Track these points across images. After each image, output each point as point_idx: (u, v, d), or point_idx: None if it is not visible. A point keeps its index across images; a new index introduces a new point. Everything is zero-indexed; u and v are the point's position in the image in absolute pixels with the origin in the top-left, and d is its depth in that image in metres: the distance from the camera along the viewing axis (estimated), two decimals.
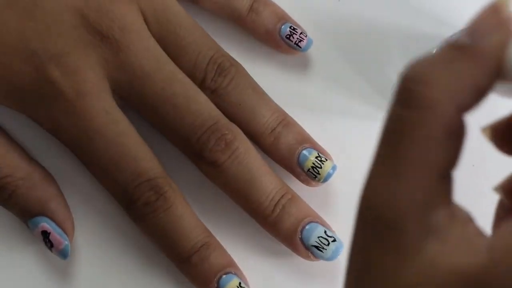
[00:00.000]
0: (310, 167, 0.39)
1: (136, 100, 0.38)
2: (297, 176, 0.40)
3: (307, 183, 0.40)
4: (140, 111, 0.38)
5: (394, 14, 0.43)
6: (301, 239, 0.38)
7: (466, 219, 0.24)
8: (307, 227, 0.38)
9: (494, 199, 0.42)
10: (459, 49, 0.24)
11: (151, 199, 0.37)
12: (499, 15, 0.23)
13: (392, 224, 0.23)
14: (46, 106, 0.37)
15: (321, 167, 0.39)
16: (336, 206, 0.41)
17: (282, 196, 0.38)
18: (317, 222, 0.39)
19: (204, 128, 0.38)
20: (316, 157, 0.39)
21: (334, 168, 0.40)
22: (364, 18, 0.43)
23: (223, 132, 0.38)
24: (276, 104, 0.41)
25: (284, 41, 0.41)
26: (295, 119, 0.42)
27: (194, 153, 0.38)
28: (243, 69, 0.40)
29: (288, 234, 0.38)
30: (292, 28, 0.41)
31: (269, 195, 0.38)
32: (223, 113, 0.39)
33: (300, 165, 0.39)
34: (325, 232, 0.38)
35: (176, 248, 0.37)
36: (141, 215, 0.37)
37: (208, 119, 0.38)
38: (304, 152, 0.40)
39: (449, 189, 0.24)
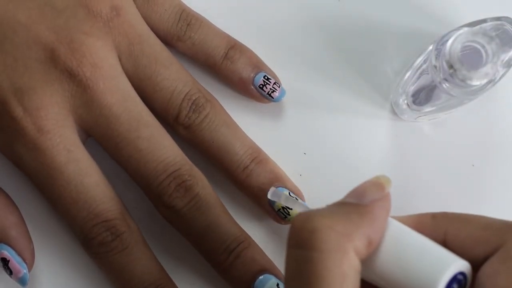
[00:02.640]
0: (280, 207, 0.39)
1: (100, 138, 0.37)
2: (268, 214, 0.40)
3: (277, 221, 0.40)
4: (104, 148, 0.38)
5: (393, 13, 0.43)
6: None
7: None
8: (260, 277, 0.38)
9: (494, 198, 0.42)
10: (352, 205, 0.28)
11: (107, 239, 0.36)
12: (383, 189, 0.29)
13: None
14: (7, 139, 0.36)
15: (291, 208, 0.39)
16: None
17: (238, 244, 0.38)
18: (271, 274, 0.38)
19: (165, 174, 0.37)
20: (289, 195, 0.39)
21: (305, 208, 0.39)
22: (363, 18, 0.43)
23: (184, 178, 0.37)
24: (250, 140, 0.40)
25: (257, 91, 0.41)
26: (293, 117, 0.42)
27: (154, 196, 0.37)
28: (219, 104, 0.40)
29: (240, 283, 0.38)
30: (266, 77, 0.41)
31: (225, 242, 0.37)
32: (196, 148, 0.39)
33: (271, 204, 0.39)
34: (277, 285, 0.38)
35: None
36: (96, 254, 0.37)
37: (171, 165, 0.37)
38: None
39: None
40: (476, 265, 0.28)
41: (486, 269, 0.27)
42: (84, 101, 0.37)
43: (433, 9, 0.43)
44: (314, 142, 0.42)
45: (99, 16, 0.37)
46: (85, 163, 0.37)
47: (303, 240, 0.27)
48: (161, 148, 0.37)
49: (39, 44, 0.36)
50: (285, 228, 0.40)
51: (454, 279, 0.27)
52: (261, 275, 0.37)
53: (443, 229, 0.29)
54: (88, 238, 0.36)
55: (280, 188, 0.39)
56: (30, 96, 0.36)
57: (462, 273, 0.27)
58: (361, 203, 0.28)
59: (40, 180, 0.37)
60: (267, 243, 0.40)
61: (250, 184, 0.39)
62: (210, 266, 0.39)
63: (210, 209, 0.38)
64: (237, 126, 0.40)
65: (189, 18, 0.40)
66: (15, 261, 0.37)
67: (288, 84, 0.41)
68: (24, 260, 0.37)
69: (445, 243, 0.29)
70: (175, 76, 0.39)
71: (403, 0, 0.43)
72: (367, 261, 0.28)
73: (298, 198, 0.39)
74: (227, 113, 0.40)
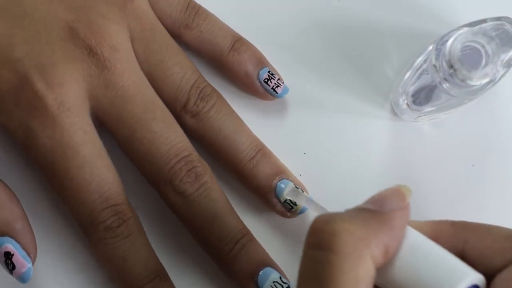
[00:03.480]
0: (286, 198, 0.39)
1: (114, 121, 0.37)
2: (273, 207, 0.40)
3: (282, 214, 0.40)
4: (115, 133, 0.37)
5: (392, 13, 0.43)
6: (256, 282, 0.38)
7: None
8: (264, 270, 0.38)
9: (494, 198, 0.42)
10: (371, 212, 0.28)
11: (113, 225, 0.36)
12: (404, 199, 0.29)
13: None
14: (23, 115, 0.36)
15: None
16: (336, 204, 0.41)
17: (243, 236, 0.38)
18: (273, 267, 0.38)
19: (178, 158, 0.37)
20: (295, 187, 0.39)
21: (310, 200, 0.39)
22: (363, 18, 0.43)
23: (195, 164, 0.37)
24: (253, 134, 0.41)
25: (262, 85, 0.41)
26: (293, 117, 0.42)
27: (164, 181, 0.37)
28: (223, 97, 0.40)
29: (245, 274, 0.38)
30: (270, 73, 0.41)
31: (231, 232, 0.37)
32: (203, 137, 0.39)
33: (277, 195, 0.39)
34: (280, 278, 0.38)
35: (129, 277, 0.36)
36: (101, 239, 0.36)
37: (183, 150, 0.37)
38: (281, 183, 0.39)
39: None
40: (494, 275, 0.28)
41: (504, 275, 0.27)
42: (102, 81, 0.37)
43: (433, 9, 0.43)
44: (314, 142, 0.42)
45: (115, 1, 0.38)
46: (99, 145, 0.37)
47: (321, 241, 0.27)
48: (174, 132, 0.37)
49: (59, 22, 0.36)
50: (284, 225, 0.41)
51: None
52: (265, 268, 0.38)
53: (462, 237, 0.29)
54: (95, 223, 0.36)
55: (284, 180, 0.39)
56: (52, 71, 0.36)
57: (476, 286, 0.27)
58: (381, 211, 0.28)
59: (53, 160, 0.36)
60: (266, 239, 0.40)
61: (256, 175, 0.39)
62: (209, 267, 0.39)
63: (217, 198, 0.38)
64: (241, 119, 0.40)
65: (197, 7, 0.41)
66: (20, 255, 0.36)
67: (288, 85, 0.41)
68: (28, 254, 0.36)
69: (464, 252, 0.29)
70: (184, 64, 0.39)
71: (403, 0, 0.43)
72: (382, 269, 0.28)
73: (303, 191, 0.39)
74: (230, 106, 0.40)
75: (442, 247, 0.28)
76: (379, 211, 0.28)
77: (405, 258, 0.28)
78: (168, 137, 0.37)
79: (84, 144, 0.36)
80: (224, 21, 0.42)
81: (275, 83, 0.41)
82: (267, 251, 0.39)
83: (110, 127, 0.37)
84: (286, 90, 0.41)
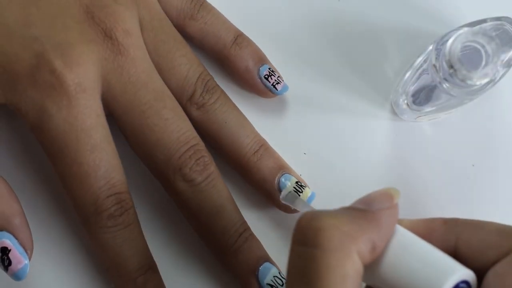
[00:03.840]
0: (289, 192, 0.39)
1: (124, 107, 0.37)
2: (276, 201, 0.40)
3: (285, 209, 0.40)
4: (124, 119, 0.37)
5: (392, 13, 0.43)
6: (257, 276, 0.38)
7: None
8: (264, 265, 0.38)
9: (494, 198, 0.42)
10: (359, 210, 0.28)
11: (116, 213, 0.36)
12: (392, 199, 0.29)
13: None
14: (38, 95, 0.35)
15: (301, 192, 0.39)
16: (336, 204, 0.41)
17: (245, 229, 0.38)
18: (272, 263, 0.38)
19: (187, 146, 0.37)
20: (296, 183, 0.39)
21: (312, 196, 0.40)
22: (363, 18, 0.43)
23: (203, 153, 0.37)
24: (255, 129, 0.41)
25: (262, 81, 0.41)
26: (293, 117, 0.42)
27: (173, 168, 0.37)
28: (225, 92, 0.41)
29: (247, 267, 0.38)
30: (270, 70, 0.41)
31: (235, 225, 0.38)
32: (208, 129, 0.39)
33: (280, 189, 0.39)
34: (279, 273, 0.38)
35: (124, 267, 0.36)
36: (102, 227, 0.36)
37: (192, 138, 0.37)
38: (284, 177, 0.39)
39: None
40: (486, 270, 0.28)
41: (497, 269, 0.27)
42: (115, 66, 0.36)
43: (433, 9, 0.43)
44: (314, 142, 0.42)
45: None
46: (108, 131, 0.37)
47: (307, 237, 0.27)
48: (183, 120, 0.38)
49: (74, 4, 0.36)
50: (283, 222, 0.41)
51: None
52: (265, 262, 0.38)
53: (454, 235, 0.29)
54: (99, 210, 0.35)
55: (287, 174, 0.39)
56: (69, 51, 0.35)
57: (465, 282, 0.27)
58: (369, 209, 0.28)
59: (64, 143, 0.35)
60: (264, 237, 0.40)
61: (260, 168, 0.39)
62: (209, 267, 0.39)
63: (222, 189, 0.38)
64: (242, 113, 0.41)
65: (201, 0, 0.41)
66: (17, 250, 0.36)
67: (288, 84, 0.41)
68: (25, 250, 0.36)
69: (456, 249, 0.29)
70: (190, 56, 0.39)
71: (403, 0, 0.43)
72: (371, 267, 0.28)
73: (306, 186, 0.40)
74: (231, 100, 0.41)
75: (431, 244, 0.28)
76: (367, 209, 0.28)
77: (394, 256, 0.28)
78: (178, 125, 0.37)
79: (96, 128, 0.36)
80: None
81: (275, 80, 0.41)
82: (266, 247, 0.39)
83: (119, 114, 0.37)
84: (285, 87, 0.41)
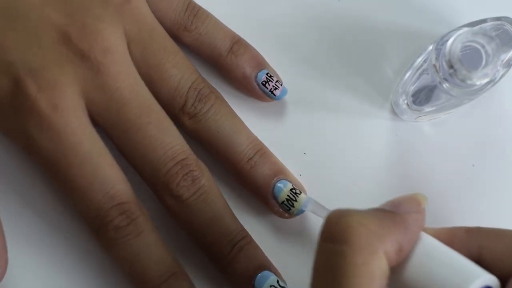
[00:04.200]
0: (284, 200, 0.39)
1: (109, 124, 0.37)
2: (271, 208, 0.40)
3: (280, 215, 0.40)
4: (111, 136, 0.37)
5: (392, 13, 0.43)
6: (253, 286, 0.38)
7: None
8: (261, 274, 0.38)
9: (494, 198, 0.42)
10: (387, 212, 0.29)
11: (122, 223, 0.36)
12: (420, 204, 0.29)
13: None
14: (20, 120, 0.36)
15: (296, 200, 0.39)
16: (336, 204, 0.40)
17: (242, 238, 0.38)
18: (271, 271, 0.38)
19: (174, 162, 0.37)
20: (291, 190, 0.39)
21: (307, 202, 0.39)
22: (363, 18, 0.43)
23: (192, 168, 0.37)
24: (253, 134, 0.41)
25: (260, 87, 0.41)
26: (293, 117, 0.42)
27: (161, 185, 0.37)
28: (222, 97, 0.40)
29: (243, 277, 0.38)
30: (268, 75, 0.41)
31: (229, 235, 0.37)
32: (201, 139, 0.39)
33: (275, 196, 0.39)
34: (277, 282, 0.38)
35: (144, 276, 0.36)
36: (111, 240, 0.36)
37: (179, 153, 0.37)
38: (279, 184, 0.39)
39: None
40: (508, 278, 0.28)
41: None
42: (96, 84, 0.36)
43: (433, 9, 0.43)
44: (314, 142, 0.42)
45: (112, 3, 0.37)
46: (99, 144, 0.36)
47: (335, 234, 0.27)
48: (169, 135, 0.37)
49: (52, 25, 0.36)
50: (283, 226, 0.41)
51: None
52: (263, 271, 0.38)
53: (477, 243, 0.30)
54: (104, 222, 0.36)
55: (283, 180, 0.39)
56: (44, 74, 0.36)
57: (489, 287, 0.28)
58: (396, 212, 0.29)
59: (53, 162, 0.36)
60: (265, 240, 0.40)
61: (254, 176, 0.39)
62: (210, 267, 0.39)
63: (215, 202, 0.38)
64: (240, 119, 0.40)
65: (196, 9, 0.40)
66: None
67: (288, 84, 0.41)
68: None
69: (480, 257, 0.29)
70: (182, 65, 0.39)
71: (403, 0, 0.43)
72: (396, 271, 0.29)
73: (301, 192, 0.39)
74: (229, 105, 0.40)
75: (455, 251, 0.29)
76: (394, 211, 0.29)
77: (418, 261, 0.29)
78: (163, 141, 0.37)
79: (82, 143, 0.36)
80: (224, 21, 0.42)
81: (273, 86, 0.40)
82: (266, 252, 0.39)
83: (106, 130, 0.37)
84: (284, 92, 0.41)
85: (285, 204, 0.39)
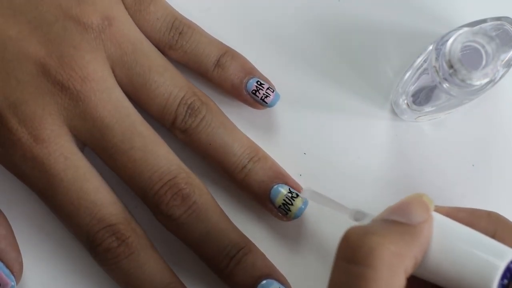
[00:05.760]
0: (281, 204, 0.39)
1: (95, 149, 0.38)
2: (270, 211, 0.40)
3: (279, 218, 0.40)
4: (100, 158, 0.38)
5: (392, 13, 0.43)
6: None
7: None
8: (262, 283, 0.38)
9: (494, 198, 0.42)
10: (403, 225, 0.29)
11: (112, 245, 0.36)
12: (428, 209, 0.30)
13: None
14: (6, 152, 0.37)
15: (292, 204, 0.39)
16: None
17: (238, 251, 0.38)
18: (273, 278, 0.38)
19: (161, 183, 0.37)
20: (288, 193, 0.39)
21: (305, 203, 0.39)
22: (363, 18, 0.43)
23: (180, 187, 0.37)
24: (248, 140, 0.40)
25: (251, 96, 0.41)
26: (293, 117, 0.42)
27: (151, 205, 0.38)
28: (215, 106, 0.40)
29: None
30: (258, 83, 0.40)
31: (225, 249, 0.38)
32: (195, 150, 0.39)
33: (272, 201, 0.39)
34: None
35: None
36: (103, 260, 0.37)
37: (166, 174, 0.37)
38: (275, 188, 0.39)
39: None
40: None
41: None
42: (77, 113, 0.37)
43: (433, 9, 0.43)
44: (314, 142, 0.42)
45: (90, 28, 0.37)
46: (84, 169, 0.37)
47: (357, 255, 0.28)
48: (155, 157, 0.37)
49: (30, 58, 0.36)
50: (287, 227, 0.41)
51: (508, 269, 0.28)
52: (263, 280, 0.38)
53: (494, 228, 0.30)
54: (94, 245, 0.36)
55: (280, 184, 0.39)
56: (23, 108, 0.36)
57: None
58: (410, 223, 0.29)
59: (41, 190, 0.37)
60: (269, 243, 0.40)
61: (248, 183, 0.39)
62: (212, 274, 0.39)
63: (208, 217, 0.38)
64: (234, 126, 0.40)
65: (181, 27, 0.40)
66: (3, 273, 0.37)
67: (287, 85, 0.41)
68: (12, 272, 0.37)
69: None
70: (170, 82, 0.39)
71: (403, 0, 0.43)
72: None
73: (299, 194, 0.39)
74: (223, 114, 0.40)
75: (473, 229, 0.29)
76: (408, 224, 0.29)
77: (440, 243, 0.29)
78: (148, 164, 0.37)
79: (66, 171, 0.36)
80: (222, 22, 0.42)
81: (263, 93, 0.40)
82: (267, 254, 0.39)
83: (94, 152, 0.38)
84: (276, 98, 0.40)
85: (282, 209, 0.39)
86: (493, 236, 0.30)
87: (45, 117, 0.36)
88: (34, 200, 0.39)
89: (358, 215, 0.35)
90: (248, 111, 0.41)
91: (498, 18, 0.37)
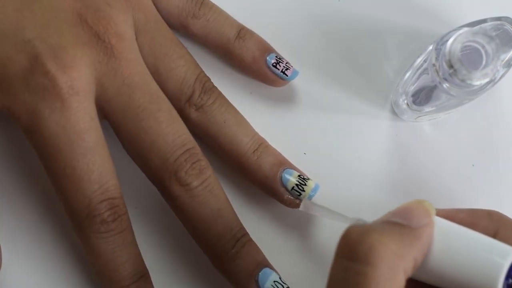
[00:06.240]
0: (294, 185, 0.39)
1: (118, 110, 0.37)
2: (280, 196, 0.40)
3: (290, 203, 0.40)
4: (118, 122, 0.37)
5: (392, 13, 0.43)
6: (257, 282, 0.38)
7: None
8: (264, 271, 0.38)
9: (494, 199, 0.42)
10: (403, 227, 0.29)
11: (109, 218, 0.35)
12: (429, 215, 0.30)
13: None
14: (32, 97, 0.35)
15: (305, 184, 0.39)
16: (336, 204, 0.41)
17: (243, 235, 0.38)
18: (272, 268, 0.38)
19: (183, 149, 0.37)
20: (299, 176, 0.39)
21: (316, 187, 0.39)
22: (363, 18, 0.43)
23: (199, 157, 0.37)
24: (253, 128, 0.41)
25: (271, 69, 0.41)
26: (293, 117, 0.42)
27: (169, 172, 0.36)
28: (222, 93, 0.40)
29: (245, 273, 0.38)
30: (278, 57, 0.41)
31: (232, 230, 0.37)
32: (207, 130, 0.39)
33: (284, 184, 0.39)
34: (280, 278, 0.38)
35: (117, 274, 0.36)
36: (94, 232, 0.36)
37: (188, 141, 0.37)
38: (286, 172, 0.39)
39: None
40: None
41: None
42: (109, 68, 0.36)
43: (433, 9, 0.43)
44: (314, 142, 0.42)
45: None
46: (101, 135, 0.36)
47: (357, 252, 0.27)
48: (179, 123, 0.37)
49: (67, 8, 0.36)
50: (284, 222, 0.41)
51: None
52: (264, 267, 0.38)
53: (496, 227, 0.30)
54: (92, 215, 0.35)
55: (289, 169, 0.39)
56: (63, 54, 0.35)
57: None
58: (411, 226, 0.29)
59: (57, 147, 0.35)
60: (265, 238, 0.40)
61: (261, 165, 0.39)
62: (209, 268, 0.39)
63: (219, 194, 0.38)
64: (241, 113, 0.41)
65: None
66: None
67: (288, 84, 0.41)
68: None
69: None
70: (188, 58, 0.39)
71: (403, 0, 0.43)
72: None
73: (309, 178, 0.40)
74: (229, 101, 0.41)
75: (473, 231, 0.29)
76: (410, 226, 0.29)
77: (440, 246, 0.29)
78: (173, 128, 0.37)
79: (89, 131, 0.35)
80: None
81: (284, 66, 0.41)
82: (265, 248, 0.39)
83: (113, 117, 0.37)
84: (296, 73, 0.41)
85: (295, 190, 0.39)
86: (494, 235, 0.30)
87: (83, 68, 0.36)
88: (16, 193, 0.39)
89: (359, 223, 0.34)
90: (248, 110, 0.41)
91: (498, 18, 0.37)
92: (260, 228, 0.40)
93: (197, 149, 0.37)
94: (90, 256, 0.37)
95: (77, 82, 0.35)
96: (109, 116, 0.37)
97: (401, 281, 0.28)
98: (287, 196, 0.39)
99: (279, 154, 0.40)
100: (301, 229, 0.41)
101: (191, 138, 0.37)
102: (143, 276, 0.37)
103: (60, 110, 0.35)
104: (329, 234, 0.41)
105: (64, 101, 0.35)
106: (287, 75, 0.40)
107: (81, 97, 0.35)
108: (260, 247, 0.39)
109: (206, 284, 0.40)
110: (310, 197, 0.39)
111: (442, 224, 0.29)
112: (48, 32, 0.35)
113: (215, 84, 0.40)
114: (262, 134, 0.41)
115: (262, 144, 0.40)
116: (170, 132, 0.37)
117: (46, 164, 0.36)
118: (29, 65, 0.35)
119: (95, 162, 0.35)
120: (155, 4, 0.40)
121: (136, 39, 0.38)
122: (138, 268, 0.37)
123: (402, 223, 0.29)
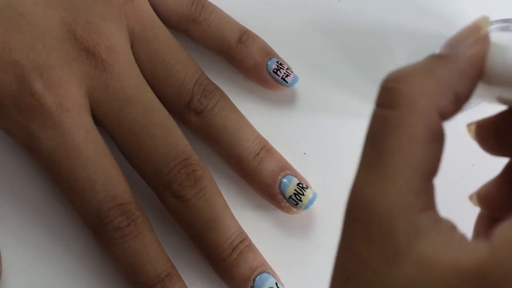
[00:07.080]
0: (292, 194, 0.39)
1: (112, 123, 0.37)
2: (278, 203, 0.40)
3: (287, 210, 0.40)
4: (114, 136, 0.38)
5: (394, 13, 0.43)
6: (252, 287, 0.38)
7: (450, 226, 0.24)
8: (260, 276, 0.38)
9: None
10: (440, 58, 0.25)
11: (122, 224, 0.36)
12: (479, 31, 0.26)
13: (381, 225, 0.23)
14: (24, 118, 0.36)
15: (303, 194, 0.39)
16: (335, 204, 0.40)
17: (241, 241, 0.38)
18: (269, 273, 0.38)
19: (177, 161, 0.37)
20: (298, 184, 0.39)
21: (314, 196, 0.40)
22: (364, 18, 0.43)
23: (194, 168, 0.37)
24: (257, 131, 0.41)
25: (271, 75, 0.41)
26: (293, 117, 0.42)
27: (163, 184, 0.37)
28: (226, 94, 0.40)
29: (242, 280, 0.38)
30: (278, 63, 0.41)
31: (229, 238, 0.38)
32: (207, 135, 0.39)
33: (282, 191, 0.39)
34: (276, 284, 0.38)
35: (141, 276, 0.37)
36: (110, 240, 0.36)
37: (182, 153, 0.37)
38: (285, 179, 0.39)
39: (432, 194, 0.25)
40: None
41: None
42: (101, 83, 0.36)
43: (437, 9, 0.43)
44: (314, 142, 0.42)
45: (114, 1, 0.37)
46: (102, 145, 0.37)
47: (382, 98, 0.25)
48: (173, 135, 0.37)
49: (56, 23, 0.36)
50: (284, 223, 0.41)
51: None
52: (261, 273, 0.38)
53: None
54: (103, 223, 0.36)
55: (289, 176, 0.39)
56: (49, 73, 0.36)
57: None
58: (452, 54, 0.25)
59: (56, 162, 0.36)
60: (265, 240, 0.40)
61: (260, 171, 0.39)
62: (209, 269, 0.39)
63: (216, 203, 0.38)
64: (244, 116, 0.40)
65: (203, 1, 0.40)
66: None
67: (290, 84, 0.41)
68: None
69: None
70: (186, 62, 0.39)
71: (406, 0, 0.43)
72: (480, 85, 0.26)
73: (308, 186, 0.39)
74: (233, 102, 0.40)
75: None
76: (449, 54, 0.25)
77: (496, 57, 0.25)
78: (166, 141, 0.37)
79: (86, 143, 0.36)
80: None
81: (284, 73, 0.41)
82: (266, 250, 0.39)
83: (109, 129, 0.37)
84: (295, 79, 0.41)
85: (292, 199, 0.39)
86: None
87: (70, 85, 0.36)
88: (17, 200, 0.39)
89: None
90: (248, 110, 0.41)
91: (505, 20, 0.37)
92: (260, 228, 0.41)
93: (193, 159, 0.37)
94: (113, 261, 0.37)
95: (65, 100, 0.35)
96: (106, 129, 0.37)
97: (429, 123, 0.25)
98: (284, 203, 0.39)
99: (281, 158, 0.40)
100: (301, 229, 0.41)
101: (187, 147, 0.37)
102: (168, 275, 0.37)
103: (52, 128, 0.35)
104: (329, 234, 0.41)
105: (54, 119, 0.35)
106: (287, 82, 0.40)
107: (72, 113, 0.36)
108: (260, 247, 0.39)
109: (207, 282, 0.40)
110: (307, 208, 0.39)
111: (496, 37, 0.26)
112: (35, 52, 0.36)
113: (215, 83, 0.40)
114: (262, 133, 0.41)
115: (264, 147, 0.39)
116: (163, 145, 0.37)
117: (53, 178, 0.37)
118: (17, 87, 0.35)
119: (96, 172, 0.35)
120: (154, 10, 0.39)
121: (132, 47, 0.38)
122: (161, 267, 0.37)
123: (442, 54, 0.26)
